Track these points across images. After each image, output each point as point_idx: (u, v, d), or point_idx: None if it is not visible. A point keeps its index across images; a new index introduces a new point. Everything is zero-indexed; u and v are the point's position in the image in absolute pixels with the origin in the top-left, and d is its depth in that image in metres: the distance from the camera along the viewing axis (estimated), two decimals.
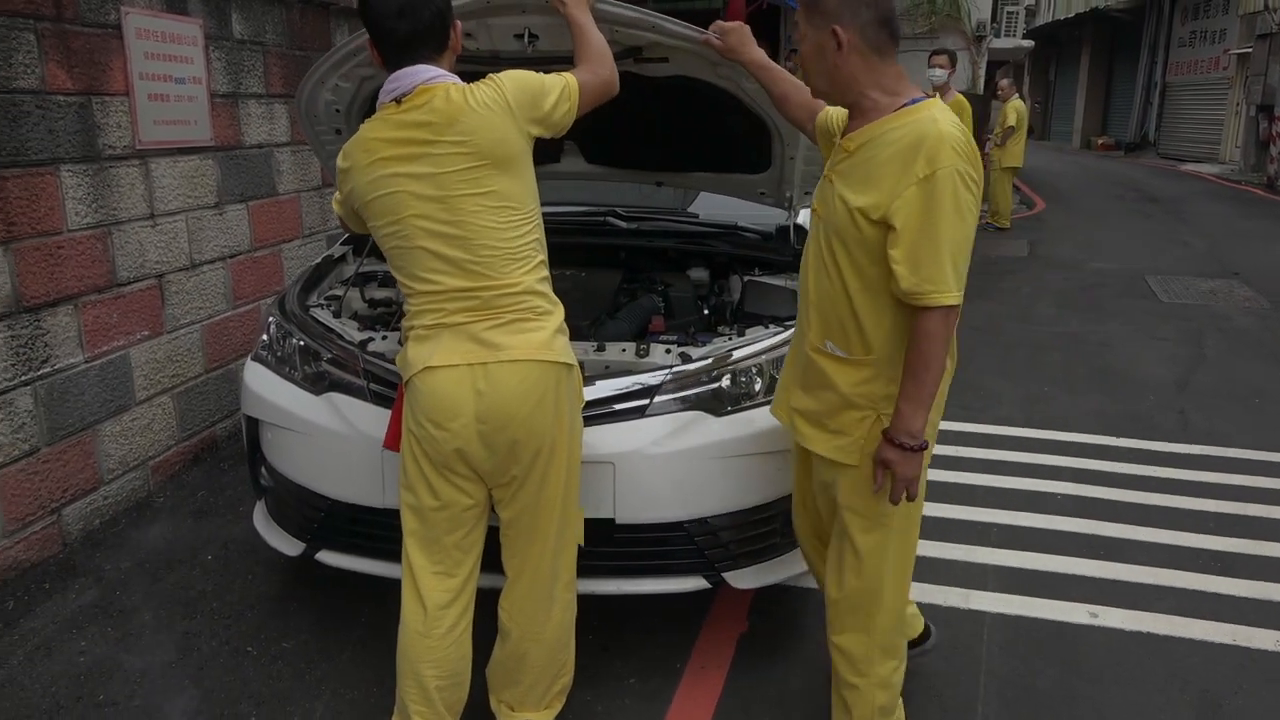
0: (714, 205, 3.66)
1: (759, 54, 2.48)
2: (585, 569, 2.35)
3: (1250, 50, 18.18)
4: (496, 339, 2.03)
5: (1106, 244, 10.36)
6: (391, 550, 2.31)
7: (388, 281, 3.27)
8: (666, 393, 2.49)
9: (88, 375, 3.39)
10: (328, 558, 2.67)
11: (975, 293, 7.28)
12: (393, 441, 2.30)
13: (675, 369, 2.53)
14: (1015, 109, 10.59)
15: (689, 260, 3.36)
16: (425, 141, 2.00)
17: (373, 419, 2.52)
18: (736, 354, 2.57)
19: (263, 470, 2.89)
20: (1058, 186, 16.18)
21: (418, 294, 2.07)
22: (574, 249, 3.26)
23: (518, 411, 2.04)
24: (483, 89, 2.05)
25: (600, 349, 2.69)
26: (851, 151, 1.95)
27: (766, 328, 2.77)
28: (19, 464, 3.11)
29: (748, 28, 2.50)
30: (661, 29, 2.55)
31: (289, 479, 2.71)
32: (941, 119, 1.84)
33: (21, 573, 3.14)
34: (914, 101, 1.90)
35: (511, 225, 2.06)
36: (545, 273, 2.14)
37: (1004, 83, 11.04)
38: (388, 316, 3.08)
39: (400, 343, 2.26)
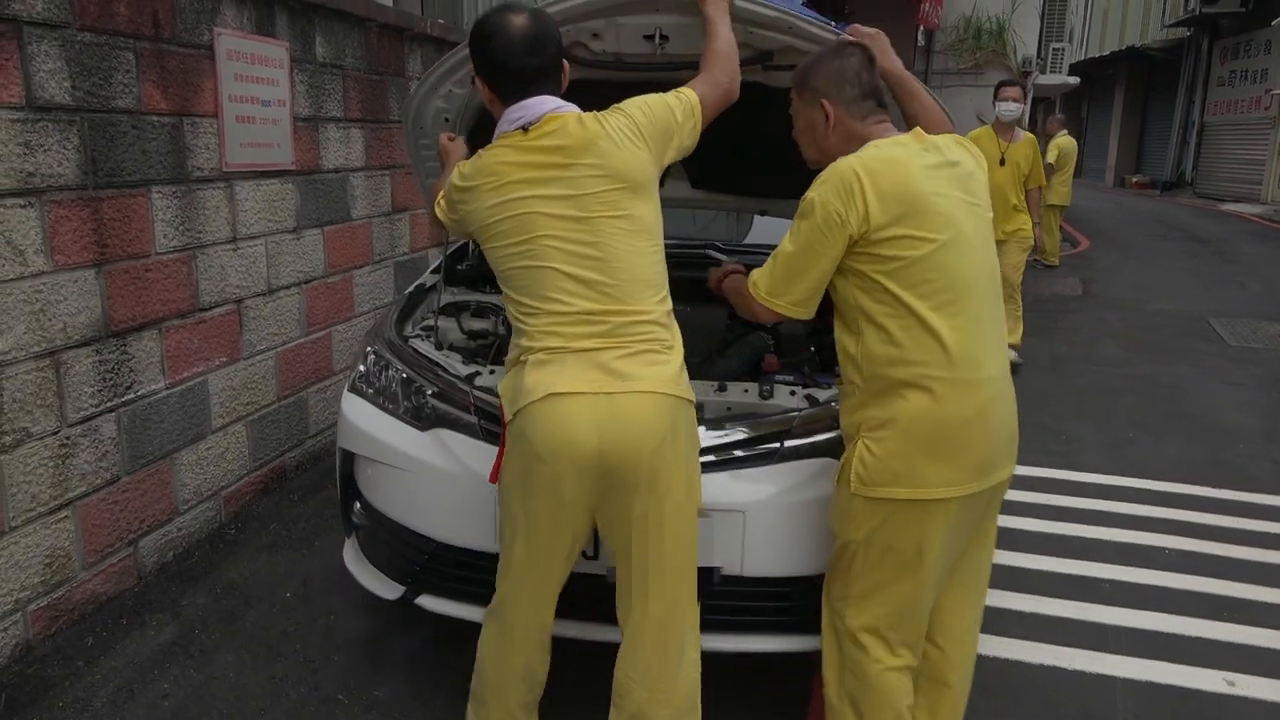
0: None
1: (897, 64, 2.37)
2: (704, 624, 2.21)
3: None
4: (625, 369, 1.93)
5: (1158, 283, 10.17)
6: None
7: (481, 312, 3.16)
8: (796, 438, 2.37)
9: (168, 402, 3.29)
10: (429, 603, 2.53)
11: (1035, 330, 7.12)
12: (498, 475, 2.19)
13: (804, 412, 2.40)
14: (1058, 146, 10.52)
15: None
16: (560, 165, 1.97)
17: (484, 458, 2.39)
18: None
19: (357, 507, 2.78)
20: (1098, 224, 15.99)
21: (541, 315, 1.98)
22: (674, 283, 3.14)
23: (643, 447, 1.94)
24: (614, 117, 2.04)
25: (722, 389, 2.57)
26: None
27: None
28: (100, 493, 3.01)
29: (885, 36, 2.40)
30: (798, 30, 2.45)
31: (389, 518, 2.59)
32: (851, 156, 1.94)
33: (99, 606, 3.02)
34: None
35: (646, 251, 2.02)
36: (670, 305, 2.07)
37: (1055, 119, 10.95)
38: (485, 348, 2.97)
39: (507, 368, 2.14)
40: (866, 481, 1.97)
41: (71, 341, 2.85)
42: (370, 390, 2.74)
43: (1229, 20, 20.01)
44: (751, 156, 3.07)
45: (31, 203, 2.68)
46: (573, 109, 2.04)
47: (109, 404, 3.02)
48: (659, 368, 1.98)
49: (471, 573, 2.45)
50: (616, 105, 2.09)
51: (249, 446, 3.79)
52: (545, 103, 2.02)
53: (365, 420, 2.66)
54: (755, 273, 2.04)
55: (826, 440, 2.37)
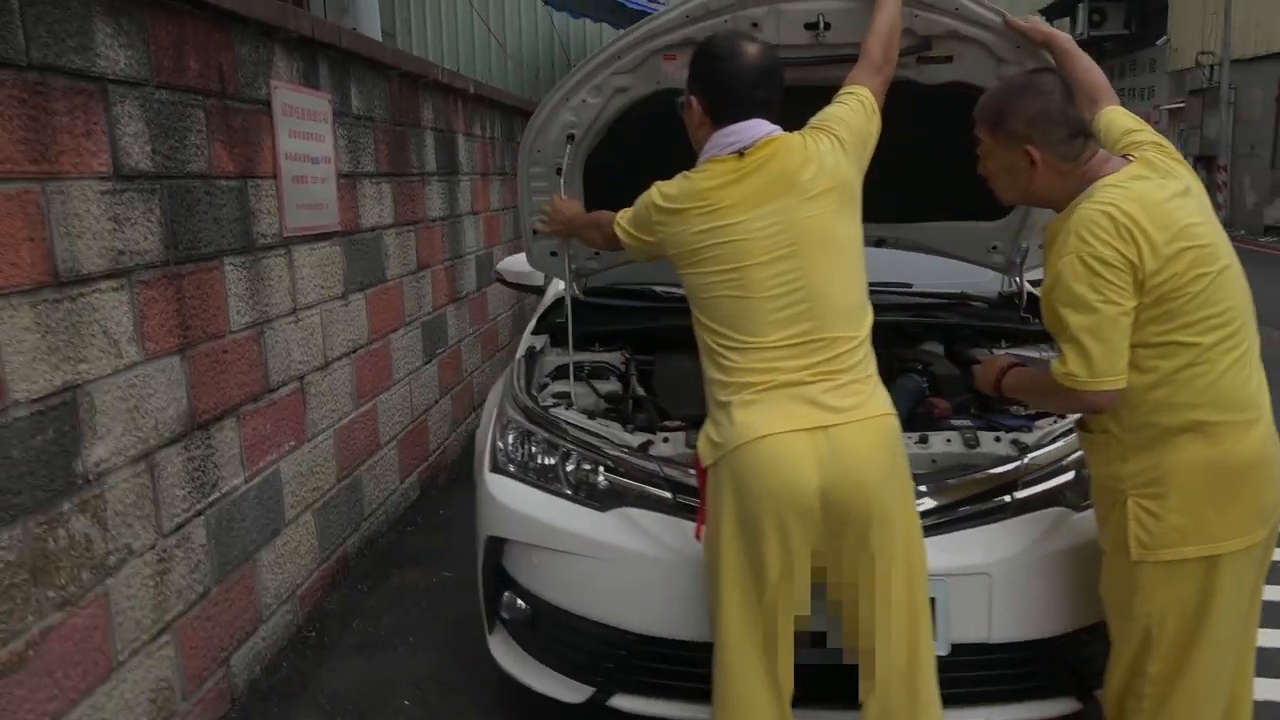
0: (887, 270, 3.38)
1: (1064, 38, 2.35)
2: (947, 698, 2.03)
3: (1182, 105, 19.14)
4: (835, 401, 1.85)
5: None
6: (707, 689, 2.01)
7: (599, 373, 2.92)
8: (1025, 487, 2.21)
9: (247, 498, 2.93)
10: (626, 703, 2.27)
11: None
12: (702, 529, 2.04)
13: (1028, 459, 2.25)
14: None
15: (920, 334, 3.09)
16: (777, 190, 1.91)
17: (685, 536, 2.17)
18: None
19: (508, 599, 2.49)
20: None
21: (749, 350, 1.89)
22: None
23: (868, 480, 1.84)
24: (819, 136, 1.99)
25: (923, 441, 2.39)
26: (1043, 246, 2.03)
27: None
28: (195, 610, 2.63)
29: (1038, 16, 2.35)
30: (966, 10, 2.35)
31: (566, 610, 2.32)
32: (1089, 201, 1.82)
33: None
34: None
35: (854, 277, 1.97)
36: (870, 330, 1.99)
37: None
38: (621, 411, 2.73)
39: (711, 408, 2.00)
40: (1150, 545, 1.83)
41: (164, 439, 2.49)
42: (518, 468, 2.48)
43: (1114, 41, 21.19)
44: (883, 173, 2.93)
45: (122, 284, 2.33)
46: (781, 131, 1.99)
47: (198, 506, 2.65)
48: (870, 394, 1.90)
49: (679, 665, 2.20)
50: (815, 125, 2.03)
51: (317, 538, 3.43)
52: (759, 126, 1.97)
53: (523, 503, 2.39)
54: (1058, 364, 1.83)
55: (1056, 487, 2.22)
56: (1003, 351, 2.88)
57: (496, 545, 2.47)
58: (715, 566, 1.93)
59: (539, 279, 3.71)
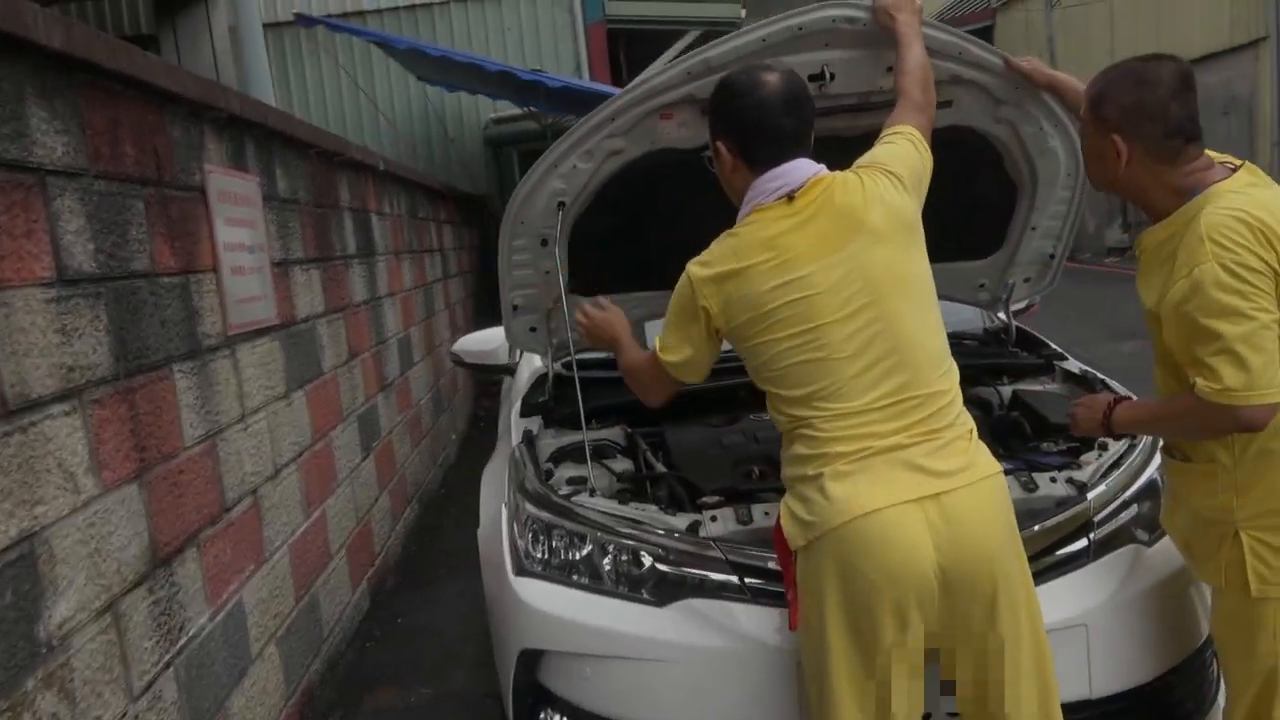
0: None
1: (1068, 80, 2.35)
2: None
3: None
4: (941, 465, 1.70)
5: None
6: None
7: (603, 451, 2.70)
8: (1098, 529, 2.13)
9: (214, 637, 2.54)
10: None
11: None
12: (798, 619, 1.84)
13: (1091, 496, 2.17)
14: None
15: None
16: (848, 234, 1.76)
17: (762, 624, 1.98)
18: (1144, 470, 2.26)
19: (546, 718, 2.21)
20: None
21: (835, 416, 1.71)
22: None
23: (989, 544, 1.70)
24: (875, 176, 1.85)
25: None
26: (1141, 253, 1.90)
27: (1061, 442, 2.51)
28: None
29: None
30: (968, 55, 2.33)
31: None
32: (1212, 207, 1.73)
33: None
34: (1199, 192, 1.78)
35: (932, 320, 1.82)
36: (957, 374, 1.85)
37: None
38: (647, 492, 2.52)
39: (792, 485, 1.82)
40: (1273, 580, 1.75)
41: (127, 583, 2.12)
42: (550, 569, 2.22)
43: None
44: None
45: (74, 406, 1.98)
46: (826, 170, 1.85)
47: (167, 657, 2.27)
48: (975, 452, 1.76)
49: None
50: (866, 165, 1.90)
51: (282, 671, 3.02)
52: (804, 166, 1.83)
53: (564, 608, 2.14)
54: (1206, 382, 1.68)
55: (1126, 523, 2.15)
56: (1041, 387, 2.84)
57: (532, 659, 2.20)
58: (821, 660, 1.74)
59: (503, 357, 3.47)
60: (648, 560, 2.13)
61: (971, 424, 1.80)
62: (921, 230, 1.88)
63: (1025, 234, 2.85)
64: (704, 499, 2.32)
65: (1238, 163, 1.83)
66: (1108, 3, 15.77)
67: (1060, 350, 3.07)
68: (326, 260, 4.01)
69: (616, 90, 9.32)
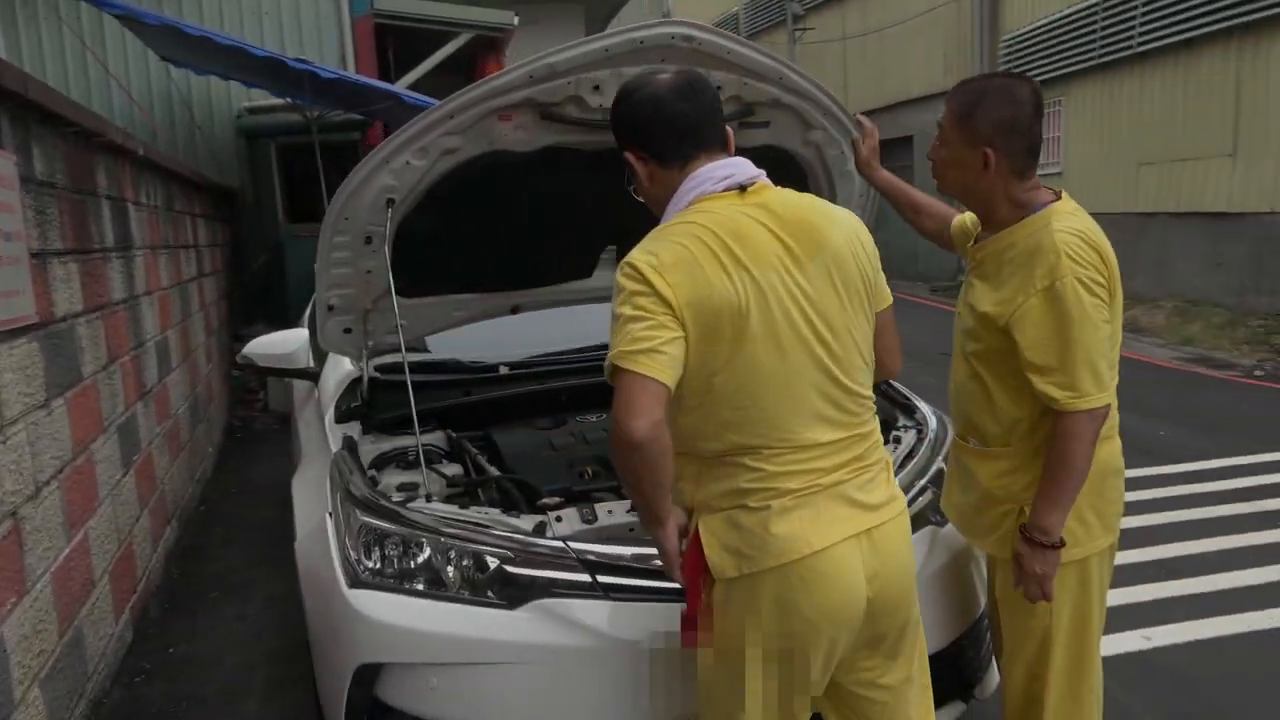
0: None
1: (885, 172, 2.51)
2: None
3: None
4: (870, 498, 1.71)
5: None
6: None
7: (429, 457, 2.63)
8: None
9: None
10: None
11: None
12: (693, 639, 1.84)
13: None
14: None
15: None
16: (813, 249, 1.66)
17: (623, 621, 2.03)
18: (933, 460, 2.52)
19: None
20: None
21: (785, 452, 1.64)
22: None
23: (910, 573, 1.79)
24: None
25: None
26: (980, 261, 2.05)
27: None
28: None
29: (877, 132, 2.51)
30: (788, 81, 2.48)
31: None
32: (1058, 226, 1.89)
33: None
34: (1038, 209, 1.96)
35: (870, 348, 1.78)
36: None
37: None
38: (467, 494, 2.48)
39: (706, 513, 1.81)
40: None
41: None
42: (389, 579, 2.14)
43: None
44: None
45: None
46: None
47: None
48: (890, 485, 1.78)
49: None
50: None
51: (46, 717, 2.66)
52: (747, 165, 1.73)
53: (408, 617, 2.07)
54: (1062, 391, 1.83)
55: (919, 509, 2.40)
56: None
57: (370, 674, 2.10)
58: (732, 688, 1.72)
59: (302, 361, 3.27)
60: (493, 563, 2.11)
61: (887, 455, 1.82)
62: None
63: None
64: (544, 500, 2.33)
65: (1058, 190, 2.01)
66: (842, 44, 17.30)
67: None
68: (86, 253, 3.59)
69: (392, 87, 9.00)
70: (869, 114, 2.96)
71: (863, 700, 1.84)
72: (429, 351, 3.26)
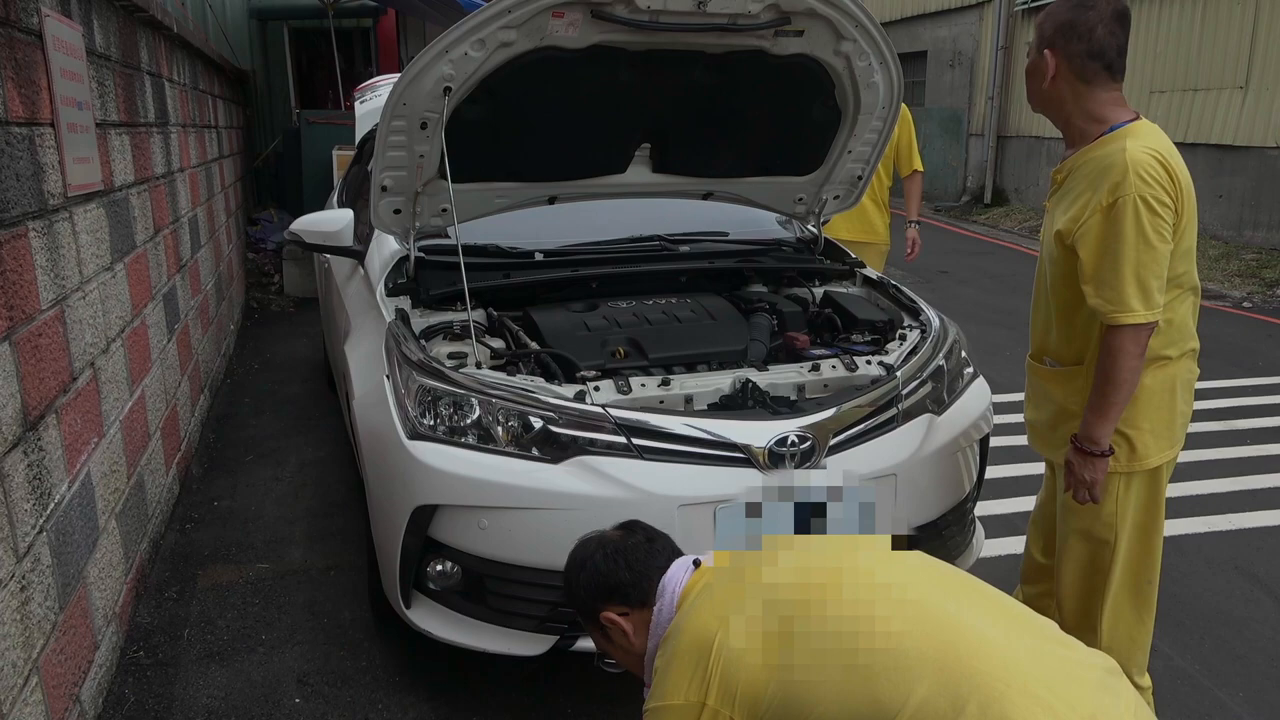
0: (706, 221, 3.67)
1: None
2: None
3: None
4: None
5: None
6: None
7: (469, 331, 2.86)
8: (905, 401, 2.62)
9: (73, 508, 2.48)
10: (589, 642, 2.33)
11: None
12: None
13: (899, 373, 2.64)
14: None
15: (740, 278, 3.37)
16: None
17: (650, 477, 2.29)
18: (934, 357, 2.77)
19: (441, 569, 2.42)
20: None
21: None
22: (641, 277, 3.13)
23: None
24: None
25: (815, 368, 2.70)
26: (1059, 182, 2.14)
27: (866, 334, 3.00)
28: (51, 643, 2.21)
29: None
30: None
31: (526, 566, 2.32)
32: (1131, 146, 1.94)
33: None
34: (1115, 128, 2.01)
35: None
36: None
37: None
38: (510, 368, 2.72)
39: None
40: (1120, 458, 2.14)
41: (7, 442, 2.05)
42: (446, 432, 2.40)
43: None
44: (703, 138, 3.15)
45: None
46: None
47: (41, 521, 2.22)
48: None
49: None
50: None
51: (122, 547, 2.96)
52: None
53: (465, 466, 2.33)
54: (1109, 304, 1.92)
55: (920, 399, 2.65)
56: (845, 289, 3.30)
57: (424, 515, 2.37)
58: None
59: (347, 239, 3.47)
60: (537, 424, 2.36)
61: None
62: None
63: (842, 156, 3.28)
64: (583, 372, 2.58)
65: (1136, 111, 2.04)
66: None
67: (858, 260, 3.56)
68: (134, 126, 3.74)
69: None
70: (885, 26, 3.09)
71: None
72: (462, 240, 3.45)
